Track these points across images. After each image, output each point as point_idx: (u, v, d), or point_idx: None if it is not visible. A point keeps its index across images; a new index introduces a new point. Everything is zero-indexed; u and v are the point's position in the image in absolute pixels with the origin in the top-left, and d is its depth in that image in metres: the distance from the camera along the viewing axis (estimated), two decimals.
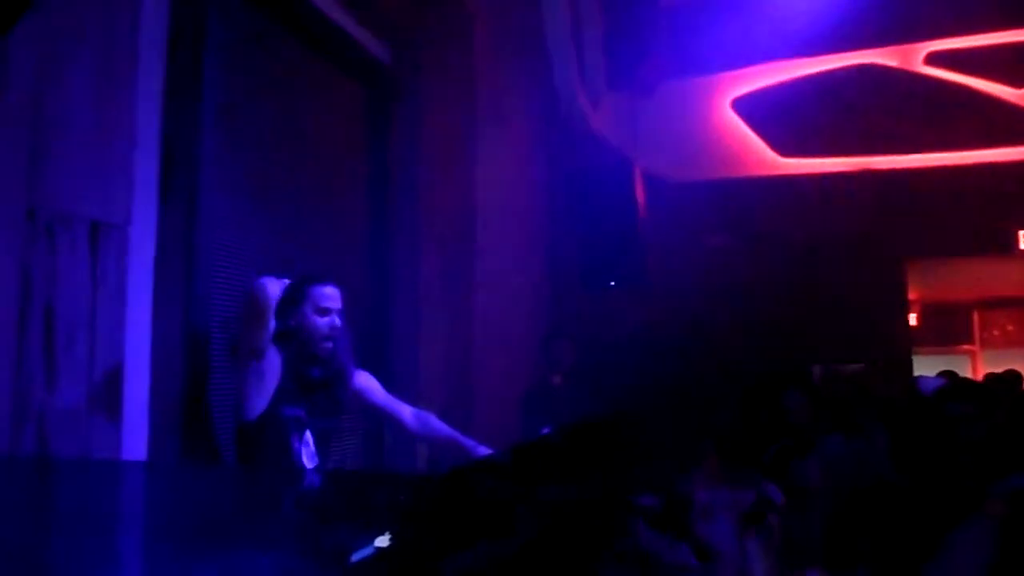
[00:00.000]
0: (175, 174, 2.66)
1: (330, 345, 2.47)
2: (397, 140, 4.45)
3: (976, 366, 9.43)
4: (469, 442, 2.54)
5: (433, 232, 4.64)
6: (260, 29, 3.47)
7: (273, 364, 2.41)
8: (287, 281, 2.43)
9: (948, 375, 5.26)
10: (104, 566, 1.89)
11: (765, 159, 7.81)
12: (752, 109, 7.89)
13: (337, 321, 2.48)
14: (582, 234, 5.98)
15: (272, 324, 2.36)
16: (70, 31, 2.34)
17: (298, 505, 2.12)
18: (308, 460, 2.43)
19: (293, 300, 2.43)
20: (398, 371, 4.27)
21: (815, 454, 3.51)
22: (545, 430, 3.39)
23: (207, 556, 1.84)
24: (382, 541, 1.82)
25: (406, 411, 2.68)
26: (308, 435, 2.46)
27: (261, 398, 2.37)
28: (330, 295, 2.48)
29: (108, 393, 2.25)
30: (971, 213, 7.11)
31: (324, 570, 1.99)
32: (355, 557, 1.99)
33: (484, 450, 2.46)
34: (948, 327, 9.78)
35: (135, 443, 2.37)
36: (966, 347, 9.97)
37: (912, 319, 8.66)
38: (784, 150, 7.82)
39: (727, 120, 7.94)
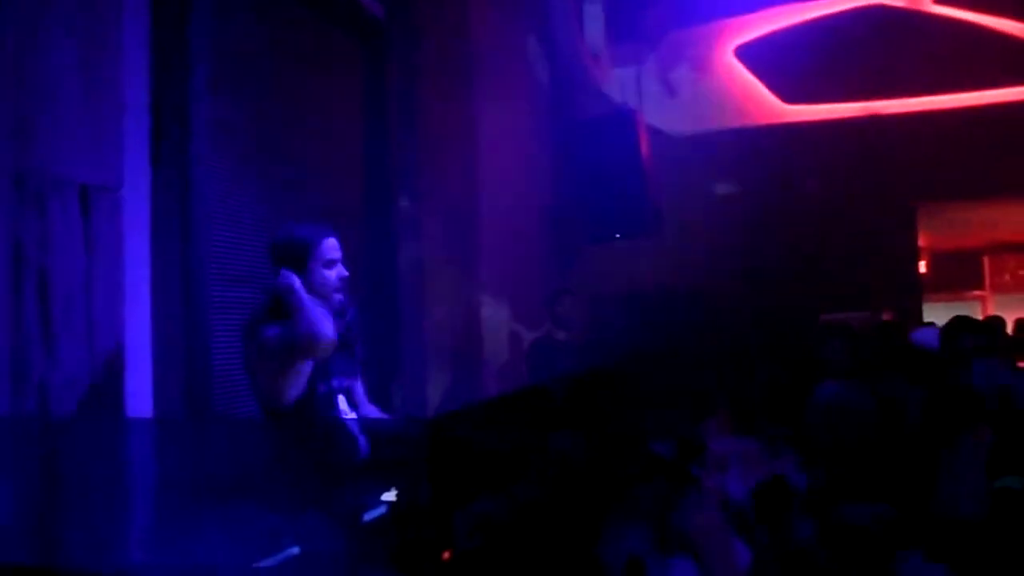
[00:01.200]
0: (167, 135, 2.60)
1: (341, 297, 2.38)
2: (394, 98, 4.37)
3: (987, 311, 9.36)
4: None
5: (434, 192, 4.57)
6: None
7: None
8: (293, 277, 2.28)
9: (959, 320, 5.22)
10: (116, 522, 1.89)
11: (770, 107, 7.67)
12: (756, 56, 7.74)
13: (344, 271, 2.40)
14: (587, 188, 5.91)
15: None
16: None
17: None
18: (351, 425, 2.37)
19: (300, 258, 2.33)
20: (404, 334, 4.25)
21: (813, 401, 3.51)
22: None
23: (217, 513, 1.83)
24: (389, 496, 1.80)
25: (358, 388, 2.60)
26: (343, 399, 2.39)
27: (298, 387, 2.24)
28: (333, 245, 2.39)
29: (109, 357, 2.22)
30: (981, 156, 6.98)
31: (338, 529, 1.99)
32: (367, 516, 1.98)
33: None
34: (958, 273, 9.69)
35: (139, 406, 2.35)
36: (977, 292, 9.90)
37: (922, 266, 8.58)
38: (789, 97, 7.68)
39: (731, 69, 7.79)
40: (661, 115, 7.19)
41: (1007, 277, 9.98)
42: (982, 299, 9.84)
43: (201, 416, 2.59)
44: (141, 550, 1.98)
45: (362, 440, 2.26)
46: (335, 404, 2.33)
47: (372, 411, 2.53)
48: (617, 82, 6.98)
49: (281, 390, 2.21)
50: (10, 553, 1.71)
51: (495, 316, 5.25)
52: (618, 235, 5.84)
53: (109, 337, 2.25)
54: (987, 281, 9.92)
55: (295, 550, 2.00)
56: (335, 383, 2.35)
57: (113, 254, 2.29)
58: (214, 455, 2.00)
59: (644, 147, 5.91)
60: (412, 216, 4.40)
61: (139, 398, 2.38)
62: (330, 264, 2.36)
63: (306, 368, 2.24)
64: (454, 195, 4.83)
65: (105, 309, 2.22)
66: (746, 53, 7.79)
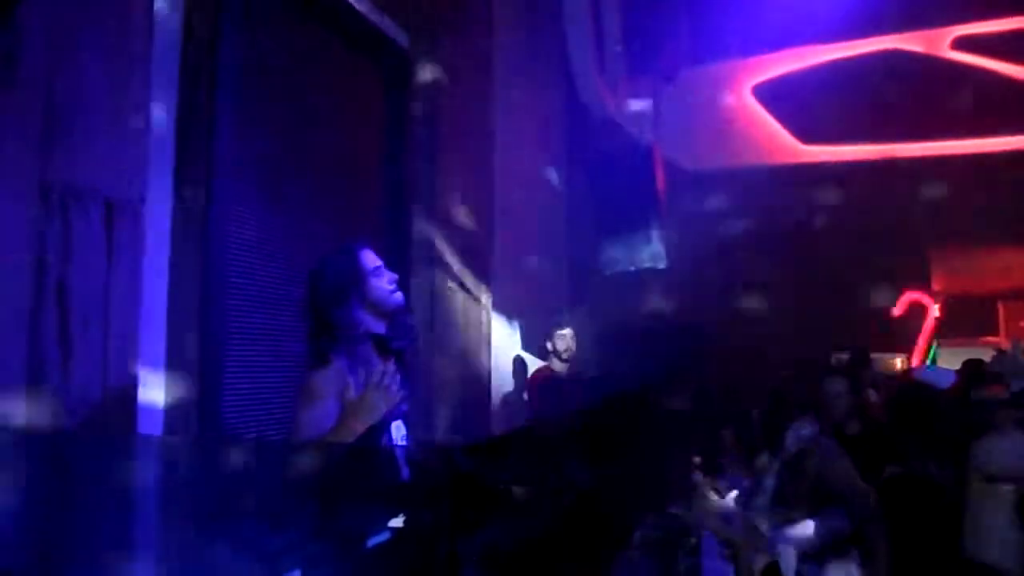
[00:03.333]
0: (191, 154, 2.63)
1: (400, 298, 2.33)
2: (414, 124, 4.41)
3: None
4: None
5: (450, 218, 4.60)
6: (277, 10, 3.44)
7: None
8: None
9: (973, 363, 5.19)
10: (123, 539, 1.88)
11: (786, 146, 7.70)
12: (773, 96, 7.79)
13: (392, 274, 2.35)
14: (601, 219, 5.93)
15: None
16: (84, 9, 2.31)
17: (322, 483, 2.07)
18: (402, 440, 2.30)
19: (351, 283, 2.27)
20: (415, 361, 4.24)
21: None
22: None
23: (226, 532, 1.82)
24: (397, 522, 1.78)
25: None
26: (401, 424, 2.29)
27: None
28: (370, 255, 2.36)
29: (123, 372, 2.23)
30: (996, 202, 6.98)
31: (342, 554, 1.97)
32: (371, 541, 1.96)
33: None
34: (973, 318, 9.61)
35: (150, 422, 2.36)
36: (991, 339, 9.80)
37: (935, 310, 8.52)
38: (805, 137, 7.71)
39: (748, 107, 7.84)
40: (677, 150, 7.23)
41: (1023, 324, 9.89)
42: (997, 346, 9.74)
43: (211, 434, 2.59)
44: (145, 566, 1.97)
45: (405, 471, 2.13)
46: (388, 431, 2.24)
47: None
48: (634, 115, 7.03)
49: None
50: (16, 563, 1.71)
51: (505, 344, 5.25)
52: (631, 268, 5.84)
53: (124, 351, 2.26)
54: (1002, 328, 9.84)
55: (296, 574, 1.98)
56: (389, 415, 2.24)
57: (132, 268, 2.31)
58: (222, 474, 2.00)
59: (660, 181, 5.94)
60: (427, 242, 4.42)
61: (150, 414, 2.38)
62: (377, 272, 2.31)
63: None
64: (469, 222, 4.85)
65: (121, 323, 2.23)
66: (764, 92, 7.84)
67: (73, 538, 1.88)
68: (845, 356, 6.11)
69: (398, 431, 2.27)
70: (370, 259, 2.34)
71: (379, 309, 2.28)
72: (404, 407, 2.31)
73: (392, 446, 2.19)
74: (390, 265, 2.42)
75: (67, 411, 2.07)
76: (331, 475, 1.94)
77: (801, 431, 3.02)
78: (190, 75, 2.72)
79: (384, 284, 2.31)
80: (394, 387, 2.16)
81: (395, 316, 2.31)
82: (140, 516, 2.02)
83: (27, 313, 2.00)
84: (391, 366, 2.20)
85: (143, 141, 2.42)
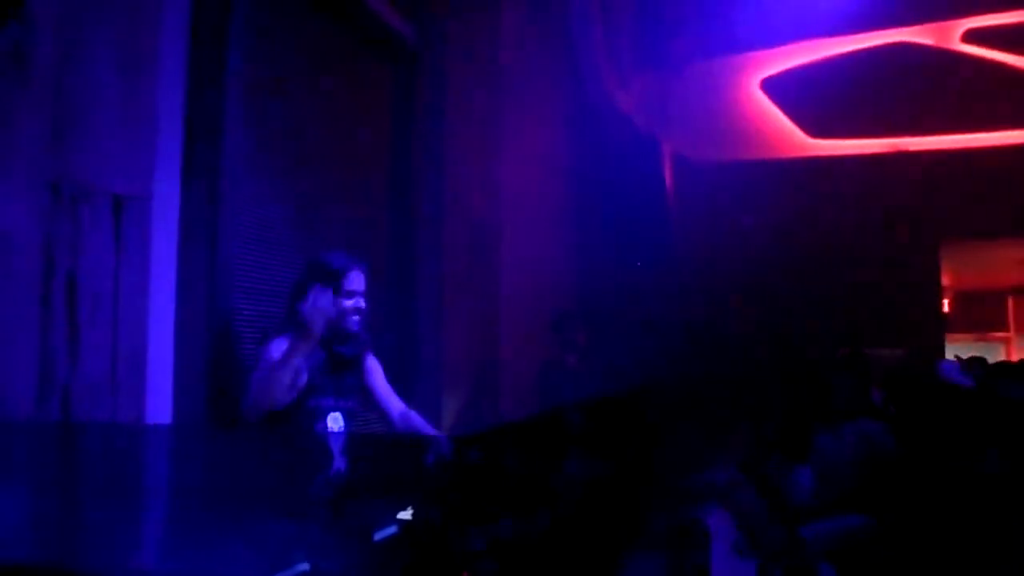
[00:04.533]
0: (198, 149, 2.64)
1: (357, 319, 2.57)
2: (422, 119, 4.41)
3: (1010, 352, 9.24)
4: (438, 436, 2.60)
5: (458, 212, 4.60)
6: (285, 4, 3.44)
7: (301, 367, 2.43)
8: (331, 296, 2.46)
9: (976, 361, 5.19)
10: (131, 531, 1.89)
11: (795, 140, 7.67)
12: (782, 89, 7.75)
13: (361, 302, 2.60)
14: (609, 214, 5.92)
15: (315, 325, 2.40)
16: (94, 5, 2.32)
17: (325, 478, 2.10)
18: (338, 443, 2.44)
19: (328, 282, 2.53)
20: (423, 354, 4.25)
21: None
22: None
23: (233, 523, 1.83)
24: (405, 515, 1.79)
25: (395, 406, 2.74)
26: (339, 416, 2.51)
27: (291, 392, 2.37)
28: (356, 278, 2.60)
29: (132, 365, 2.24)
30: (1007, 196, 6.94)
31: (349, 547, 1.98)
32: (379, 535, 1.97)
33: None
34: (982, 313, 9.59)
35: (159, 415, 2.37)
36: (1000, 334, 9.78)
37: (945, 305, 8.49)
38: (814, 131, 7.68)
39: (757, 100, 7.80)
40: (685, 144, 7.20)
41: None
42: (1006, 340, 9.71)
43: (220, 425, 2.61)
44: (153, 556, 1.98)
45: (339, 460, 2.29)
46: (322, 419, 2.44)
47: (416, 419, 2.66)
48: (643, 109, 7.01)
49: (274, 391, 2.36)
50: (25, 553, 1.72)
51: (513, 337, 5.25)
52: (639, 262, 5.84)
53: (133, 345, 2.27)
54: (1012, 322, 9.80)
55: (305, 566, 1.99)
56: (327, 401, 2.48)
57: (140, 263, 2.32)
58: (233, 464, 2.01)
59: (668, 175, 5.93)
60: (435, 235, 4.42)
61: (159, 407, 2.40)
62: (350, 295, 2.55)
63: (302, 372, 2.36)
64: (477, 216, 4.86)
65: (130, 317, 2.25)
66: (772, 86, 7.80)
67: (81, 528, 1.89)
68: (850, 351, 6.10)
69: (335, 422, 2.47)
70: (351, 279, 2.58)
71: (336, 319, 2.53)
72: (350, 403, 2.55)
73: (326, 434, 2.35)
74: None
75: (76, 403, 2.09)
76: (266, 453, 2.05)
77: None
78: (198, 70, 2.72)
79: (347, 305, 2.56)
80: (327, 308, 2.42)
81: (350, 336, 2.59)
82: (147, 506, 2.04)
83: (37, 308, 2.02)
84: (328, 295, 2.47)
85: (152, 137, 2.43)
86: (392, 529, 1.91)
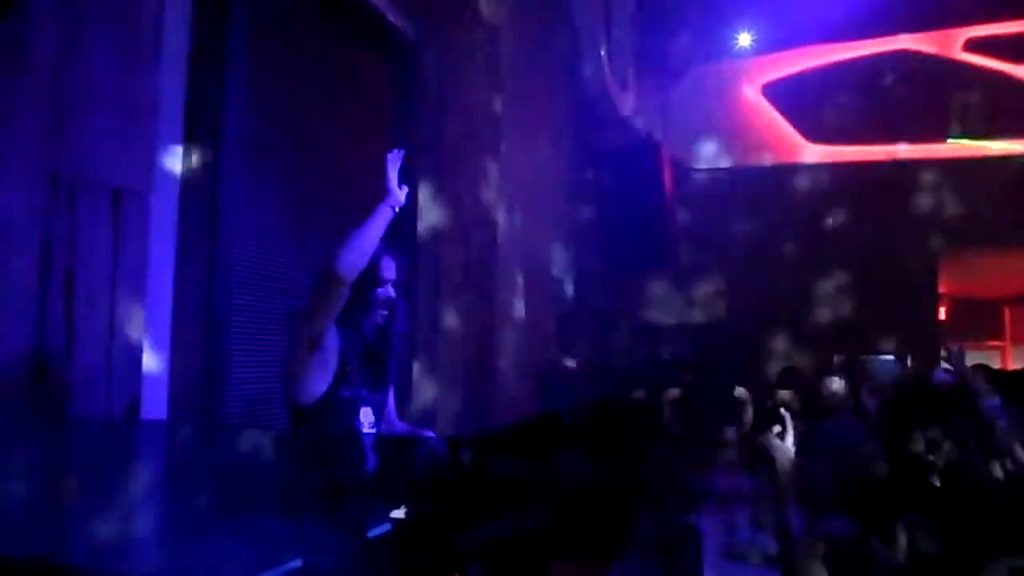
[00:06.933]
0: (197, 144, 2.64)
1: (386, 313, 2.48)
2: (421, 117, 4.41)
3: (1006, 361, 9.25)
4: (429, 437, 2.50)
5: (455, 214, 4.60)
6: (286, 3, 3.44)
7: (333, 348, 2.36)
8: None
9: (981, 368, 5.17)
10: (125, 524, 1.89)
11: (795, 146, 7.68)
12: (782, 95, 7.76)
13: (391, 292, 2.50)
14: (608, 218, 5.92)
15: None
16: (93, 2, 2.32)
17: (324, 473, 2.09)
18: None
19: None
20: (421, 355, 4.25)
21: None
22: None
23: (224, 519, 1.83)
24: (398, 513, 1.79)
25: (397, 427, 2.64)
26: (369, 411, 2.41)
27: (322, 383, 2.29)
28: (388, 265, 2.49)
29: (128, 358, 2.24)
30: (1005, 205, 6.95)
31: (343, 543, 1.98)
32: (372, 533, 1.97)
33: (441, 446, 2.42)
34: (978, 321, 9.59)
35: (155, 408, 2.37)
36: (996, 342, 9.79)
37: (941, 313, 8.50)
38: (814, 137, 7.69)
39: (757, 105, 7.81)
40: (685, 148, 7.21)
41: None
42: (1001, 349, 9.72)
43: (213, 422, 2.60)
44: (147, 552, 1.98)
45: (372, 458, 2.25)
46: (356, 412, 2.34)
47: (400, 427, 2.55)
48: (642, 113, 7.02)
49: (305, 382, 2.24)
50: (18, 548, 1.72)
51: (509, 337, 5.24)
52: (636, 265, 5.84)
53: (129, 339, 2.27)
54: (1007, 331, 9.81)
55: (297, 563, 1.99)
56: (360, 392, 2.37)
57: (138, 257, 2.32)
58: (225, 461, 2.01)
59: (667, 179, 5.93)
60: (433, 234, 4.42)
61: (154, 401, 2.40)
62: (383, 282, 2.46)
63: (331, 361, 2.28)
64: (476, 217, 4.85)
65: (127, 310, 2.24)
66: (773, 91, 7.81)
67: (76, 522, 1.89)
68: (843, 357, 6.12)
69: (366, 417, 2.37)
70: (384, 266, 2.48)
71: (369, 309, 2.44)
72: (380, 398, 2.44)
73: (359, 432, 2.28)
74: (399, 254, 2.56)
75: (71, 395, 2.08)
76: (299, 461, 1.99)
77: None
78: (198, 65, 2.72)
79: (378, 292, 2.47)
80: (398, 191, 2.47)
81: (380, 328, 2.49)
82: (142, 501, 2.04)
83: (34, 299, 2.01)
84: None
85: (150, 132, 2.42)
86: (385, 527, 1.92)
